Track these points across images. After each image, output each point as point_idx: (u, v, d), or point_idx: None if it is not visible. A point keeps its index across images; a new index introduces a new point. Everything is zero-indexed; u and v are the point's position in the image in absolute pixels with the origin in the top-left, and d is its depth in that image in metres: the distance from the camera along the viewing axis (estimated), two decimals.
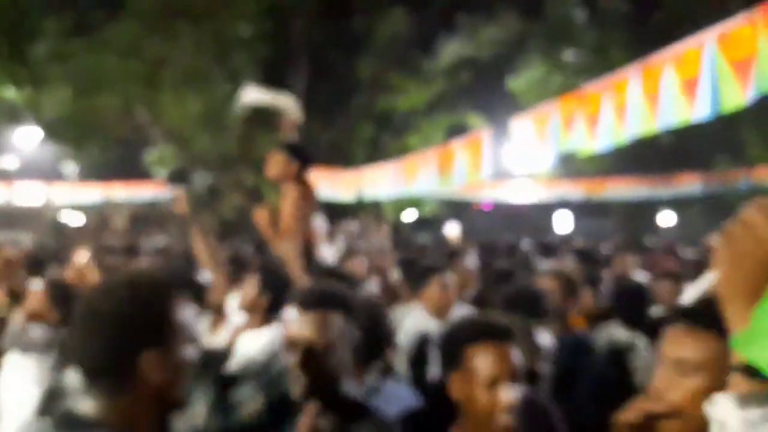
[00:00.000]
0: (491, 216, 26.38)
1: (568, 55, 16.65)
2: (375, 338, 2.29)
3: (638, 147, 11.57)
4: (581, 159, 13.70)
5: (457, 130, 14.89)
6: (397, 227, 21.21)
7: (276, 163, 4.32)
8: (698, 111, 4.25)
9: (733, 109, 4.34)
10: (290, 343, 1.79)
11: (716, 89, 4.17)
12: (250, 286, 3.06)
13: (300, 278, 3.20)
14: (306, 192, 4.46)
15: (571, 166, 16.06)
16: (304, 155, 4.40)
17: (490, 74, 17.15)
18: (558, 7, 17.29)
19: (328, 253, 4.48)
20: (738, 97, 4.18)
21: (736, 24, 4.16)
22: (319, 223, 4.57)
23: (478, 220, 26.63)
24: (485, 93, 16.83)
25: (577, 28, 16.99)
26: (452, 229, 23.30)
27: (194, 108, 13.32)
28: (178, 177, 4.83)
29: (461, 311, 3.57)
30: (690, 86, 4.25)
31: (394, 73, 16.75)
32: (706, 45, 4.20)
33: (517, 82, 16.87)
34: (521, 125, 6.46)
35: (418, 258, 4.68)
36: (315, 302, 1.83)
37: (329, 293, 1.89)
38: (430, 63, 17.13)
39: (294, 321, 1.84)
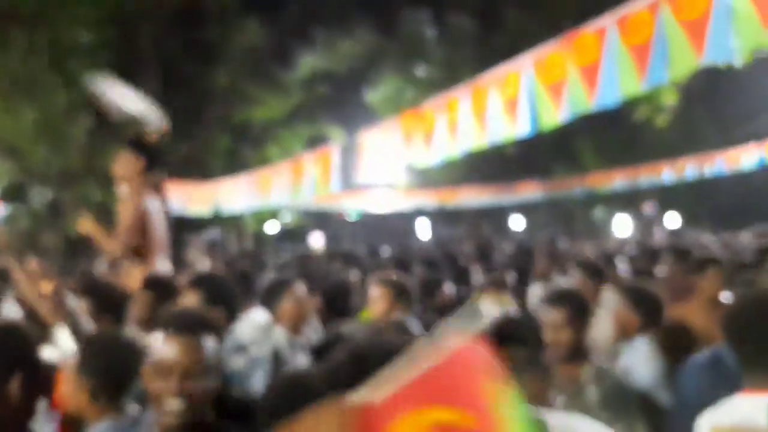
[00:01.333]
0: (355, 225, 26.78)
1: (420, 70, 17.38)
2: None
3: (485, 157, 12.28)
4: (435, 170, 14.32)
5: (317, 141, 15.01)
6: (260, 239, 20.91)
7: (121, 161, 4.23)
8: (520, 128, 4.64)
9: (551, 127, 4.78)
10: (162, 368, 1.72)
11: (534, 109, 4.58)
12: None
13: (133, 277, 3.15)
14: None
15: (425, 176, 16.72)
16: (150, 152, 4.31)
17: (348, 87, 17.49)
18: (410, 23, 18.02)
19: (165, 265, 4.35)
20: (553, 116, 4.61)
21: (548, 50, 4.59)
22: (162, 234, 4.44)
23: (342, 230, 26.93)
24: (344, 105, 17.12)
25: (428, 45, 17.80)
26: (316, 240, 23.36)
27: (29, 118, 12.28)
28: (12, 194, 4.56)
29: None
30: (512, 106, 4.63)
31: (250, 84, 16.53)
32: (523, 69, 4.59)
33: (374, 95, 17.35)
34: (369, 138, 6.66)
35: (255, 272, 4.65)
36: (186, 326, 1.79)
37: (199, 317, 1.88)
38: (288, 74, 17.12)
39: (164, 345, 1.74)
